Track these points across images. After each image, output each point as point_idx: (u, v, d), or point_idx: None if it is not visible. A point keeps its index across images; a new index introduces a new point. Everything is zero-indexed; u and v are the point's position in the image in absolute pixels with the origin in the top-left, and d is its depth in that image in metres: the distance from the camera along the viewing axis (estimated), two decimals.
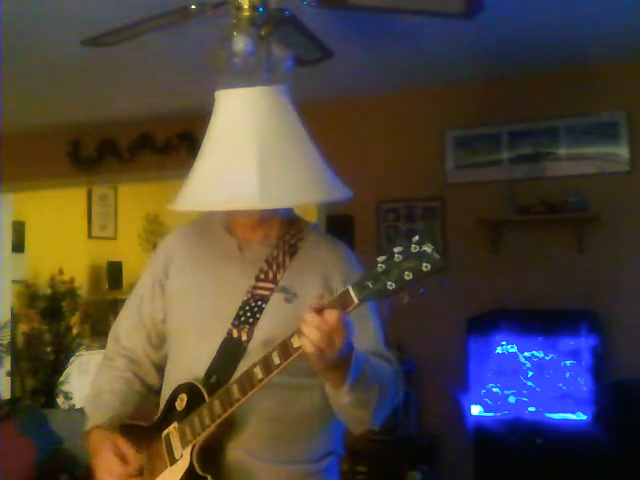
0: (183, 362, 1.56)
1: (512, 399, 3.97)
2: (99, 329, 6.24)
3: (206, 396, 1.43)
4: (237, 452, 1.46)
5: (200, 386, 1.46)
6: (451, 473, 4.27)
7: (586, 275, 4.09)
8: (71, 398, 5.53)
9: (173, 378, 1.56)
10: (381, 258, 1.27)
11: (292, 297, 1.51)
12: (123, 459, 1.47)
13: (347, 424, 1.53)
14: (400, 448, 4.23)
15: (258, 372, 1.34)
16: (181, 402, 1.49)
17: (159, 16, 2.58)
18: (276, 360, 1.33)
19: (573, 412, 3.82)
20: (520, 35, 3.60)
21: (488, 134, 4.42)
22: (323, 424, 1.56)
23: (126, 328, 1.70)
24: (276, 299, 1.51)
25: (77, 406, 5.26)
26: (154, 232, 7.37)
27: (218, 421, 1.39)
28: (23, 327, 5.84)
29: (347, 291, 1.29)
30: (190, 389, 1.48)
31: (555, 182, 4.21)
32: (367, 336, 1.50)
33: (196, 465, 1.41)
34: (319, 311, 1.27)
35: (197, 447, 1.42)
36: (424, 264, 1.23)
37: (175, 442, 1.46)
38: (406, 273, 1.23)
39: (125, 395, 1.64)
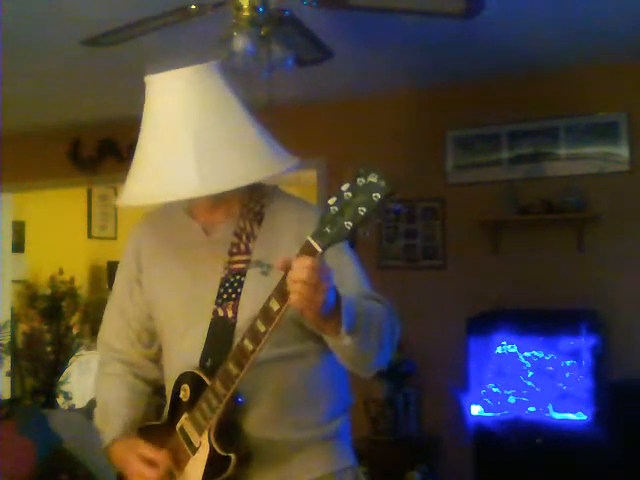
0: (177, 353, 1.55)
1: (512, 399, 3.97)
2: (99, 329, 6.24)
3: (207, 381, 1.43)
4: (252, 428, 1.46)
5: (198, 372, 1.46)
6: (451, 473, 4.27)
7: (586, 275, 4.08)
8: (71, 398, 5.54)
9: (171, 371, 1.56)
10: (331, 200, 1.26)
11: (268, 269, 1.49)
12: (151, 464, 1.48)
13: (355, 371, 1.51)
14: (400, 448, 4.23)
15: (248, 344, 1.34)
16: (185, 393, 1.49)
17: (159, 16, 2.58)
18: (262, 328, 1.32)
19: (573, 412, 3.82)
20: (520, 35, 3.60)
21: (488, 134, 4.42)
22: (326, 386, 1.56)
23: (114, 333, 1.68)
24: (253, 274, 1.50)
25: (77, 406, 5.26)
26: None
27: (225, 400, 1.39)
28: (23, 327, 5.85)
29: (308, 242, 1.27)
30: (190, 378, 1.48)
31: (555, 182, 4.21)
32: (350, 282, 1.48)
33: (216, 447, 1.41)
34: (289, 265, 1.26)
35: (212, 430, 1.42)
36: (374, 194, 1.23)
37: (190, 432, 1.47)
38: (359, 208, 1.23)
39: (131, 400, 1.63)
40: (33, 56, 3.80)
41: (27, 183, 5.76)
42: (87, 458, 3.22)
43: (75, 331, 5.75)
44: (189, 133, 1.40)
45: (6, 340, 5.30)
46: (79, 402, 5.33)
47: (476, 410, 4.00)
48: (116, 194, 7.35)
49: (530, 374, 3.95)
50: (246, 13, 2.46)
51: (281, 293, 1.29)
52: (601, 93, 4.15)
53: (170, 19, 2.61)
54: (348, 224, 1.25)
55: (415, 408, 4.33)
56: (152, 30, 2.69)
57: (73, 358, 5.64)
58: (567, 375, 3.88)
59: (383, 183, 1.23)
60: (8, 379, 5.67)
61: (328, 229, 1.26)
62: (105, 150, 5.44)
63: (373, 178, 1.24)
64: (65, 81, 4.28)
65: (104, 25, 2.73)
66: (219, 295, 1.50)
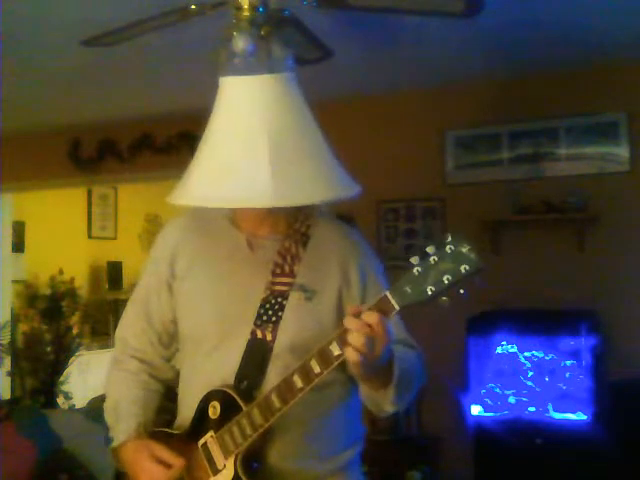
0: (207, 368, 1.50)
1: (512, 399, 3.97)
2: (99, 329, 6.26)
3: (242, 404, 1.40)
4: (275, 458, 1.44)
5: (233, 394, 1.42)
6: (451, 473, 4.27)
7: (586, 275, 4.09)
8: (71, 398, 5.54)
9: (197, 384, 1.51)
10: (414, 259, 1.24)
11: (312, 294, 1.47)
12: (164, 464, 1.45)
13: (373, 411, 1.50)
14: (400, 448, 4.23)
15: (298, 381, 1.32)
16: (214, 410, 1.45)
17: (159, 16, 2.58)
18: (316, 369, 1.30)
19: (573, 412, 3.82)
20: (520, 35, 3.59)
21: (488, 134, 4.42)
22: (348, 416, 1.55)
23: (134, 330, 1.64)
24: (295, 298, 1.47)
25: (77, 406, 5.26)
26: (154, 232, 7.35)
27: (261, 431, 1.36)
28: (23, 327, 5.85)
29: (386, 297, 1.26)
30: (223, 397, 1.44)
31: (555, 182, 4.21)
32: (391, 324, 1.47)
33: (242, 476, 1.39)
34: (358, 316, 1.25)
35: (240, 457, 1.39)
36: (462, 266, 1.21)
37: (215, 452, 1.43)
38: (445, 276, 1.21)
39: (144, 399, 1.60)
40: (33, 56, 3.80)
41: (27, 183, 5.76)
42: (87, 458, 3.22)
43: (75, 331, 5.75)
44: (267, 141, 1.34)
45: (6, 340, 5.30)
46: (79, 402, 5.33)
47: (476, 410, 4.00)
48: (116, 194, 7.36)
49: (530, 374, 3.95)
50: (246, 13, 2.46)
51: (344, 339, 1.27)
52: (601, 93, 4.15)
53: (170, 19, 2.61)
54: (431, 289, 1.22)
55: (415, 408, 4.33)
56: (152, 30, 2.68)
57: (73, 358, 5.63)
58: (567, 375, 3.87)
59: (474, 257, 1.22)
60: (8, 379, 5.67)
61: (409, 289, 1.24)
62: (105, 150, 5.44)
63: (464, 249, 1.23)
64: (65, 81, 4.28)
65: (104, 25, 2.73)
66: (259, 316, 1.46)
